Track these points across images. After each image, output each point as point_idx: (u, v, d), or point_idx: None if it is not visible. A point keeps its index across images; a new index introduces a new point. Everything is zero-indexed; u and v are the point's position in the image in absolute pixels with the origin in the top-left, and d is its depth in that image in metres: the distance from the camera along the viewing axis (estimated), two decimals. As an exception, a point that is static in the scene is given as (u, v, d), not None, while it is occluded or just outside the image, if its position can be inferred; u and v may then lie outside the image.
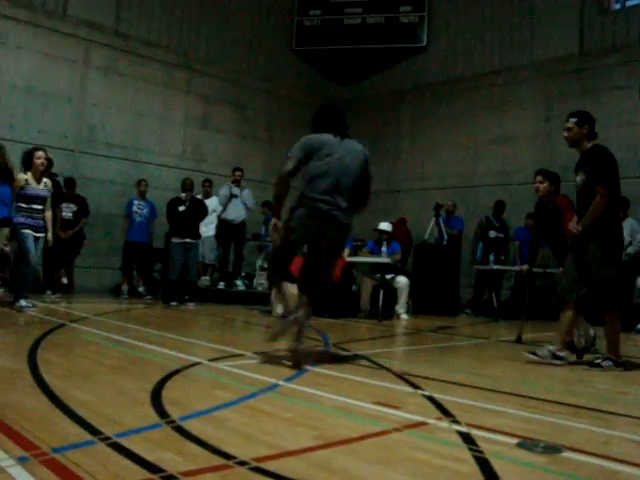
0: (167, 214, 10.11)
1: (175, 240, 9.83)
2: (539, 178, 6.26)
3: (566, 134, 5.24)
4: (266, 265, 11.38)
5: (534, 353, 5.19)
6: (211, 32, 13.78)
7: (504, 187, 12.58)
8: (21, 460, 2.14)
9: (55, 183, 9.99)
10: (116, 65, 12.39)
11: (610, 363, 4.96)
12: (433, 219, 11.49)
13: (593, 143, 5.13)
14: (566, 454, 2.54)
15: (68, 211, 10.43)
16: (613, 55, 11.73)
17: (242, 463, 2.22)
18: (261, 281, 11.08)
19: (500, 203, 11.52)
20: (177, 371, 3.98)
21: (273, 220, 4.93)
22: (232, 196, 10.94)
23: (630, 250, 9.30)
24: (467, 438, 2.69)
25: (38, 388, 3.29)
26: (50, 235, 7.87)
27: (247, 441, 2.54)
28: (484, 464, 2.34)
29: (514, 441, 2.67)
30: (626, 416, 3.41)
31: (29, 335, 5.27)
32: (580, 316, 5.51)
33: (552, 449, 2.58)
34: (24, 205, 7.53)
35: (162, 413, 2.88)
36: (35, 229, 7.58)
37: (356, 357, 5.15)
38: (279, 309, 8.86)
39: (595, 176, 4.98)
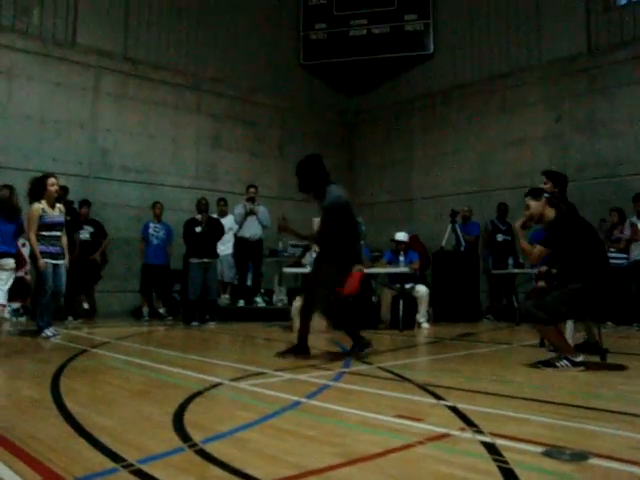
0: (184, 235, 10.17)
1: (193, 260, 9.88)
2: (544, 179, 6.31)
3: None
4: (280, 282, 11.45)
5: (552, 365, 5.12)
6: (218, 51, 13.88)
7: (519, 190, 12.47)
8: (45, 492, 2.15)
9: (72, 210, 10.10)
10: (126, 90, 12.52)
11: (567, 362, 4.99)
12: (449, 226, 11.45)
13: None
14: (593, 461, 2.50)
15: (85, 233, 10.48)
16: (622, 51, 11.66)
17: (265, 485, 2.21)
18: (281, 297, 11.10)
19: (503, 205, 11.51)
20: (199, 393, 3.98)
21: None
22: (247, 214, 10.96)
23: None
24: (491, 448, 2.66)
25: (61, 416, 3.30)
26: (67, 261, 7.89)
27: (270, 462, 2.52)
28: (509, 475, 2.31)
29: (540, 449, 2.64)
30: (654, 418, 3.35)
31: (52, 363, 5.29)
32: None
33: (579, 456, 2.54)
34: (45, 234, 7.52)
35: (184, 437, 2.88)
36: (55, 256, 7.61)
37: (378, 369, 5.12)
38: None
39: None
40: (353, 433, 3.05)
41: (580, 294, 5.05)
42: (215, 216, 10.79)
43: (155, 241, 11.07)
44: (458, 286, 10.81)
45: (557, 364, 5.01)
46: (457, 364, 5.53)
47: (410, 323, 9.40)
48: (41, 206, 7.52)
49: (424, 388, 4.15)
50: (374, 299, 10.11)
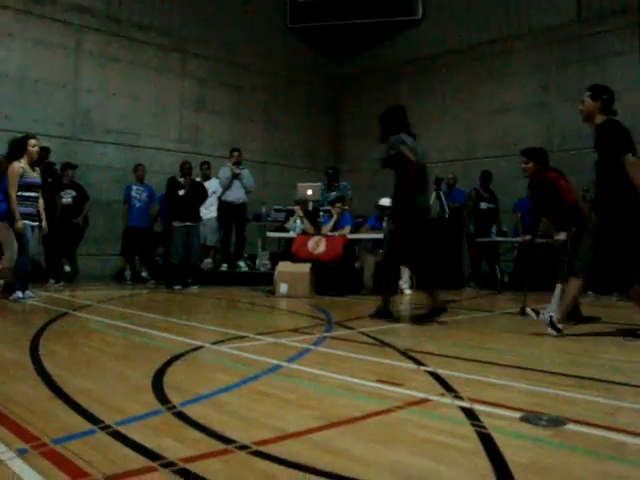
0: (166, 197, 10.08)
1: (176, 224, 9.80)
2: (523, 159, 6.31)
3: (580, 107, 5.15)
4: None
5: (536, 312, 5.21)
6: (204, 13, 13.62)
7: (505, 158, 12.47)
8: (21, 452, 2.13)
9: (53, 171, 9.97)
10: (109, 50, 12.28)
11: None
12: (434, 193, 11.41)
13: (606, 117, 5.01)
14: (570, 426, 2.52)
15: (67, 197, 10.34)
16: (612, 19, 11.57)
17: (243, 447, 2.21)
18: (264, 262, 11.08)
19: (486, 173, 11.49)
20: (180, 356, 3.97)
21: None
22: (233, 177, 10.87)
23: None
24: (470, 414, 2.67)
25: (39, 379, 3.28)
26: (45, 223, 7.80)
27: (248, 424, 2.52)
28: (487, 440, 2.32)
29: (517, 415, 2.66)
30: (633, 386, 3.38)
31: (31, 325, 5.26)
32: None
33: (556, 422, 2.57)
34: (24, 194, 7.42)
35: (163, 399, 2.87)
36: (32, 218, 7.53)
37: (360, 334, 5.14)
38: (282, 288, 8.89)
39: (608, 151, 4.89)
40: (332, 397, 3.05)
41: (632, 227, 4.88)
42: (198, 179, 10.68)
43: (138, 204, 10.97)
44: (442, 253, 10.81)
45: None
46: (439, 330, 5.56)
47: (393, 289, 9.40)
48: (21, 165, 7.41)
49: (405, 354, 4.17)
50: (357, 265, 10.11)
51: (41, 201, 7.78)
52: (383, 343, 4.66)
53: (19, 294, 7.42)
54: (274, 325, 6.38)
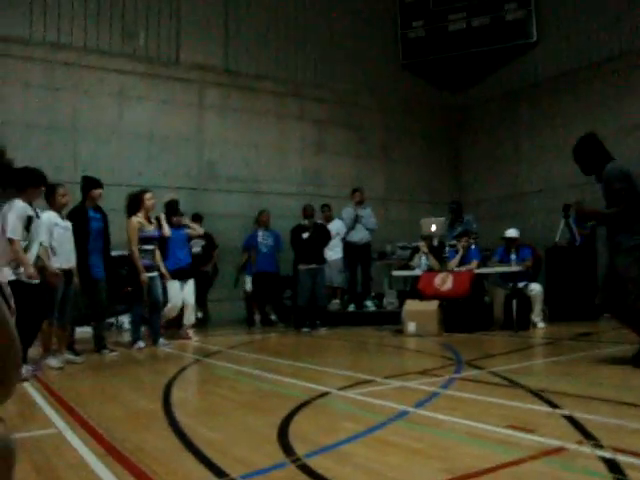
0: (291, 242, 10.29)
1: (301, 267, 9.97)
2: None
3: None
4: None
5: None
6: (317, 56, 13.93)
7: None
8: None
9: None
10: (229, 102, 12.81)
11: None
12: (562, 220, 10.95)
13: None
14: None
15: (197, 246, 10.75)
16: None
17: (366, 504, 2.15)
18: (391, 300, 10.99)
19: None
20: (306, 403, 3.96)
21: None
22: (356, 218, 10.93)
23: None
24: (613, 466, 2.46)
25: (170, 429, 3.37)
26: (165, 271, 8.10)
27: (372, 478, 2.45)
28: (631, 495, 2.13)
29: (667, 466, 2.43)
30: None
31: (165, 373, 5.45)
32: None
33: None
34: (141, 247, 7.72)
35: (288, 450, 2.86)
36: (150, 269, 7.78)
37: (490, 374, 4.94)
38: (410, 327, 8.76)
39: None
40: (460, 446, 2.92)
41: None
42: (320, 222, 10.82)
43: (264, 249, 11.22)
44: (574, 283, 10.30)
45: None
46: (576, 367, 5.25)
47: (525, 323, 9.03)
48: (139, 219, 7.75)
49: (538, 395, 3.95)
50: (486, 299, 9.81)
51: (157, 253, 8.04)
52: (514, 383, 4.45)
53: (140, 344, 7.63)
54: (402, 367, 6.26)
